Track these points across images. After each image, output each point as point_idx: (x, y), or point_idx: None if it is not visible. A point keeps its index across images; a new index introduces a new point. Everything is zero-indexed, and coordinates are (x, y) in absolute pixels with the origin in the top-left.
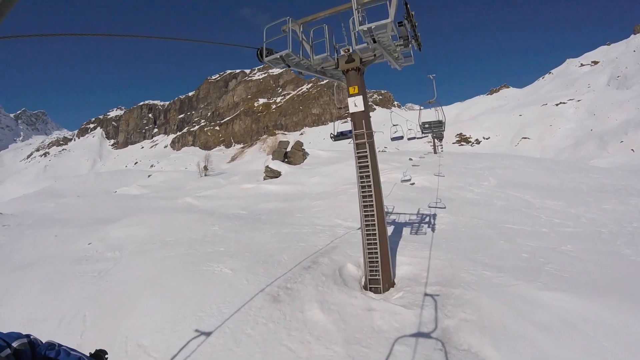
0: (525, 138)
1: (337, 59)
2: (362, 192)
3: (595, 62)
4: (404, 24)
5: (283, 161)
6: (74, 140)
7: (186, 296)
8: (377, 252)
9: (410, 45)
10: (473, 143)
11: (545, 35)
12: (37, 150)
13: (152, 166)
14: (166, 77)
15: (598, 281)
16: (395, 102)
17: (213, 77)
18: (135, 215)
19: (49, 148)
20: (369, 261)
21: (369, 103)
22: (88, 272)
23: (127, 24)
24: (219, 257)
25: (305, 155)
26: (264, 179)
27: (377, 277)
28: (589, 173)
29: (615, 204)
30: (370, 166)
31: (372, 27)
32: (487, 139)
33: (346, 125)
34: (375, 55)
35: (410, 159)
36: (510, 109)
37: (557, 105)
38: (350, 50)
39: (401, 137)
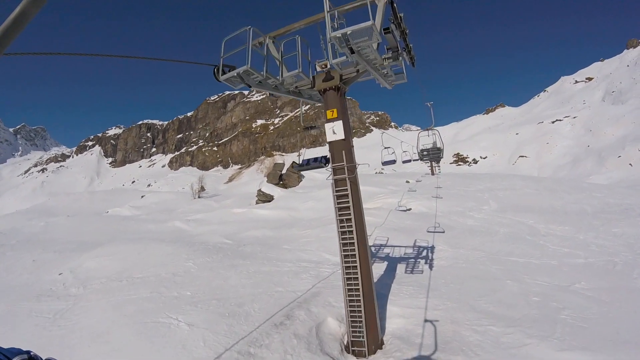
0: (523, 156)
1: (313, 77)
2: (342, 238)
3: (590, 79)
4: (390, 30)
5: (278, 184)
6: (72, 157)
7: (132, 358)
8: (360, 311)
9: (400, 58)
10: (470, 163)
11: (540, 54)
12: (35, 165)
13: (149, 185)
14: (165, 96)
15: (621, 331)
16: (393, 123)
17: (212, 98)
18: (114, 243)
19: (46, 164)
20: (351, 321)
21: (366, 124)
22: (44, 312)
23: (125, 42)
24: (182, 305)
25: (300, 177)
26: (256, 202)
27: (360, 340)
28: (591, 192)
29: (625, 227)
30: (351, 207)
31: (348, 33)
32: (484, 158)
33: (314, 152)
34: (358, 71)
35: (407, 182)
36: (506, 127)
37: (553, 122)
38: (328, 66)
39: (393, 161)
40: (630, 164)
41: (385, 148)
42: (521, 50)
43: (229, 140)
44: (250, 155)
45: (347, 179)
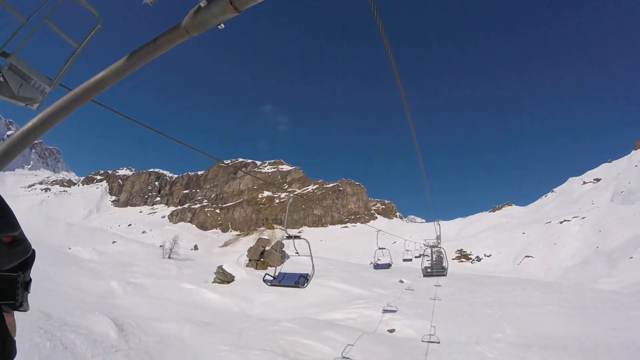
0: (529, 257)
1: None
2: None
3: (598, 180)
4: None
5: (258, 260)
6: (78, 185)
7: None
8: None
9: None
10: (474, 260)
11: (548, 155)
12: (40, 183)
13: (143, 232)
14: (180, 150)
15: None
16: (398, 213)
17: (224, 162)
18: None
19: (51, 185)
20: None
21: (371, 211)
22: None
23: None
24: None
25: (284, 257)
26: (213, 281)
27: None
28: (627, 310)
29: None
30: None
31: None
32: (488, 256)
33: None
34: None
35: (401, 281)
36: (513, 226)
37: (561, 223)
38: None
39: (387, 265)
40: None
41: (380, 249)
42: (530, 150)
43: (233, 206)
44: (251, 224)
45: None
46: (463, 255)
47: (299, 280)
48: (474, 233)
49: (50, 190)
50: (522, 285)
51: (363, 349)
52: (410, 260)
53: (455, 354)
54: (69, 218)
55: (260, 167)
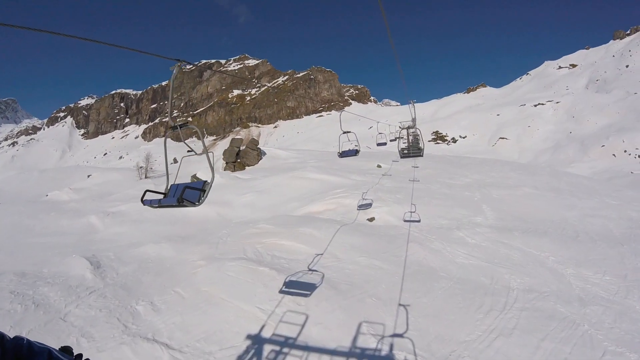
0: (503, 138)
1: None
2: None
3: (574, 65)
4: None
5: (235, 162)
6: (44, 129)
7: None
8: None
9: None
10: (449, 142)
11: (524, 37)
12: (6, 139)
13: (120, 158)
14: (139, 64)
15: None
16: (372, 98)
17: (187, 67)
18: None
19: (17, 137)
20: None
21: (345, 97)
22: None
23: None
24: None
25: (260, 155)
26: None
27: None
28: (602, 198)
29: None
30: None
31: None
32: (463, 137)
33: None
34: None
35: (379, 166)
36: (487, 108)
37: (535, 106)
38: None
39: (355, 152)
40: (614, 155)
41: (345, 133)
42: (505, 32)
43: (205, 111)
44: (225, 126)
45: None
46: (439, 137)
47: (185, 195)
48: (449, 114)
49: (17, 143)
50: (499, 166)
51: (341, 243)
52: (385, 144)
53: (437, 241)
54: (44, 164)
55: (226, 65)
